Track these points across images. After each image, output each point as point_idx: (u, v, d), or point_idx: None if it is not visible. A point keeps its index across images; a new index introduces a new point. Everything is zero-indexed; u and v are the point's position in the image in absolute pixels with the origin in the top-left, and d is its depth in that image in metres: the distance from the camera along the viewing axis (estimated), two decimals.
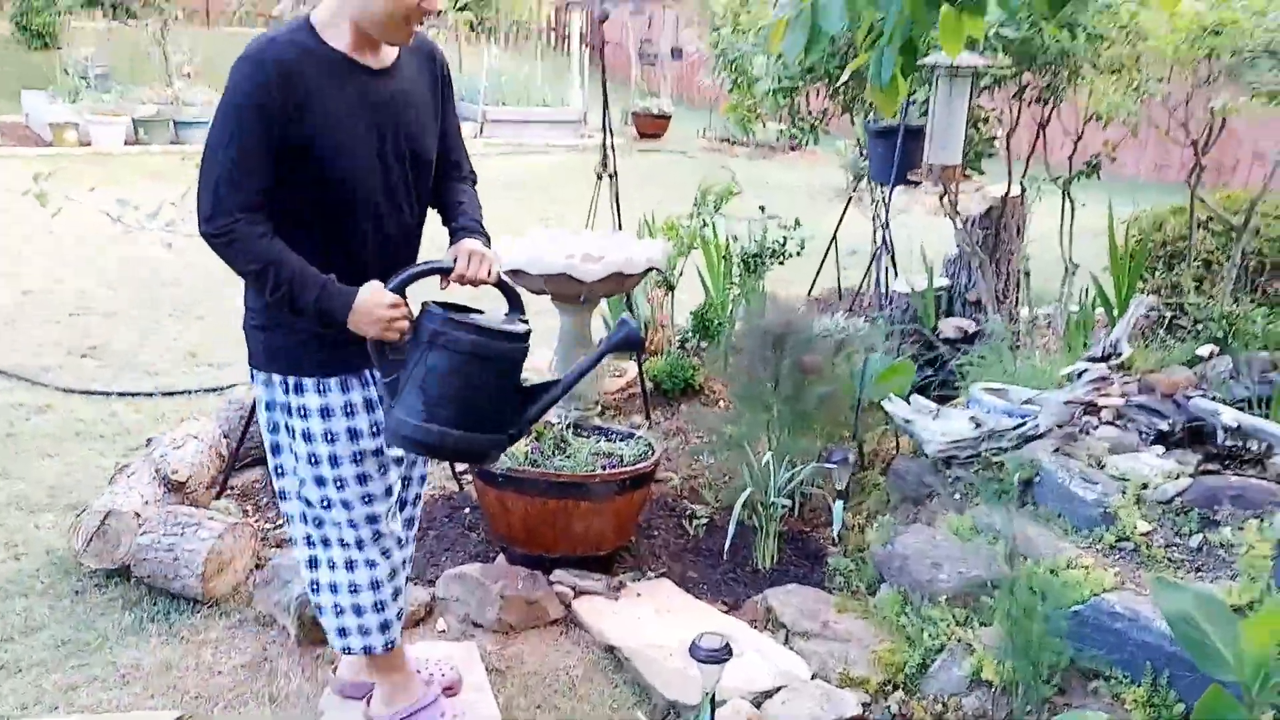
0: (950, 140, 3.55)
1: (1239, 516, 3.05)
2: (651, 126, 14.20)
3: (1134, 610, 2.71)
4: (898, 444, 4.21)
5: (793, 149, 13.23)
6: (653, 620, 3.13)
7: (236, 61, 2.08)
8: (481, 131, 13.26)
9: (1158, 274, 5.14)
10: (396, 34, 2.17)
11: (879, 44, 2.60)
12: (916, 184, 3.89)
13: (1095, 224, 5.11)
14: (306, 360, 2.27)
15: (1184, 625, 2.44)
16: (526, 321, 2.29)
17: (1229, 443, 4.07)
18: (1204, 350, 4.28)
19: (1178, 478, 3.31)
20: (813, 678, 2.90)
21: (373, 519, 2.40)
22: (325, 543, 2.44)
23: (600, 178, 4.53)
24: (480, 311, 2.25)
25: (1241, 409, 4.12)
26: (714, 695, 2.47)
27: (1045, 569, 2.97)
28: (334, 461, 2.32)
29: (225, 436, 3.89)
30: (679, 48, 11.38)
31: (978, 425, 3.67)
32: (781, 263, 4.84)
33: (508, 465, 3.18)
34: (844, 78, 4.02)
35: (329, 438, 2.31)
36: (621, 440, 3.56)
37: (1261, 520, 2.98)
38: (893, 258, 5.10)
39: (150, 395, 4.85)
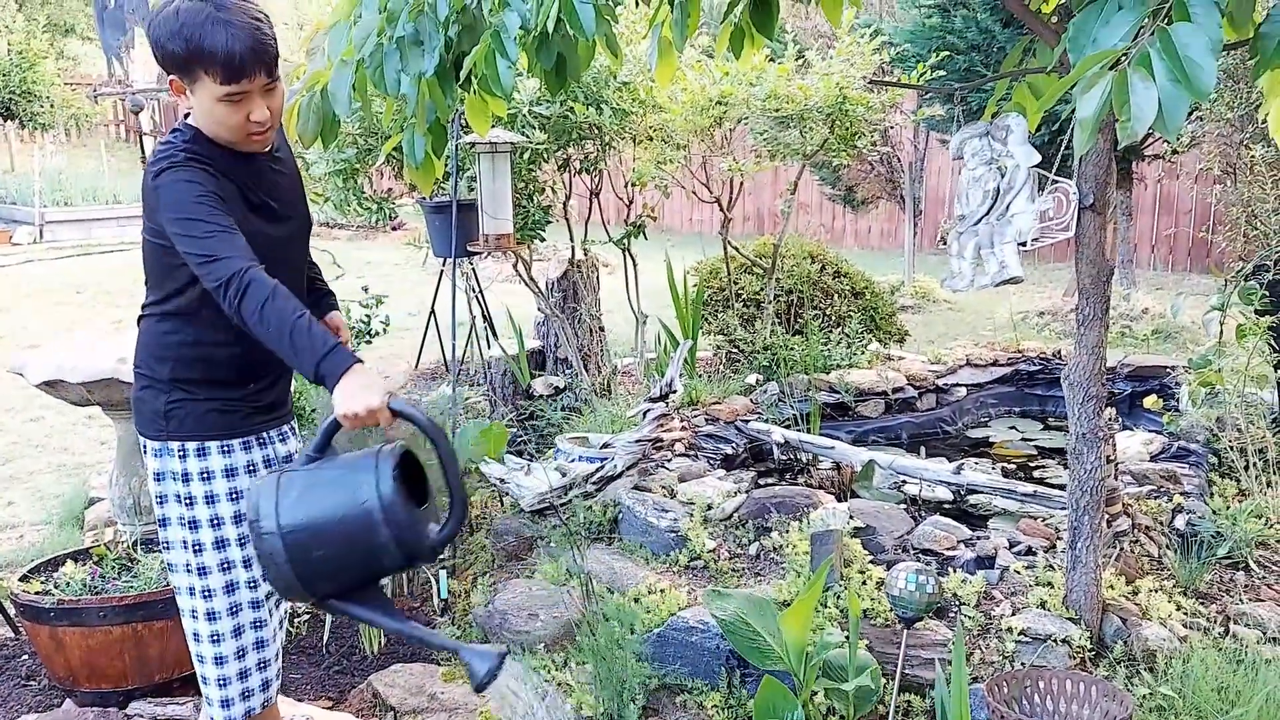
0: (500, 211, 3.76)
1: (784, 521, 3.45)
2: None
3: (704, 622, 2.97)
4: (503, 503, 4.32)
5: (394, 228, 13.28)
6: None
7: (162, 174, 2.16)
8: (41, 236, 12.00)
9: (719, 316, 5.73)
10: (244, 145, 2.27)
11: (407, 125, 2.72)
12: (477, 254, 4.06)
13: (660, 277, 5.61)
14: (213, 424, 2.30)
15: (735, 627, 2.72)
16: (443, 546, 2.09)
17: (783, 457, 4.62)
18: (752, 379, 4.83)
19: (735, 495, 3.69)
20: None
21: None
22: (212, 616, 2.37)
23: None
24: (425, 498, 2.05)
25: (789, 427, 4.69)
26: None
27: (630, 598, 3.18)
28: (237, 520, 2.32)
29: None
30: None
31: (564, 475, 3.87)
32: (369, 341, 4.82)
33: (58, 595, 2.88)
34: (380, 159, 4.13)
35: (233, 496, 2.32)
36: None
37: (800, 521, 3.40)
38: (490, 325, 5.28)
39: None
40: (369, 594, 2.01)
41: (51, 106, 16.48)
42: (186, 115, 2.30)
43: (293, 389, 2.80)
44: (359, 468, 1.96)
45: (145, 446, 2.37)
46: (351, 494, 1.93)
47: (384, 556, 1.93)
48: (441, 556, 3.84)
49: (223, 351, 2.29)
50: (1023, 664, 2.68)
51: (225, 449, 2.35)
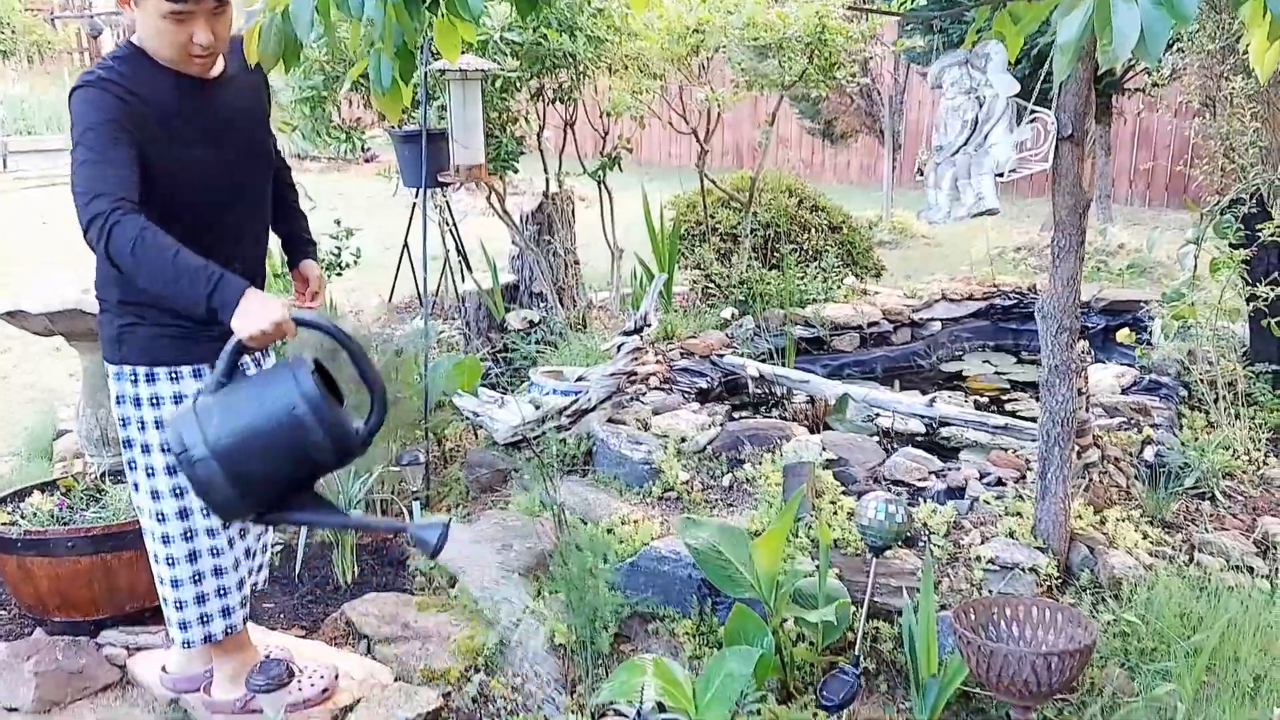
0: (472, 141, 3.68)
1: (758, 454, 3.46)
2: None
3: (676, 552, 2.99)
4: (476, 436, 4.31)
5: (366, 161, 13.05)
6: None
7: (74, 92, 2.13)
8: (5, 166, 11.73)
9: (696, 250, 5.69)
10: (186, 66, 2.23)
11: (374, 50, 2.64)
12: (448, 185, 3.99)
13: (637, 210, 5.55)
14: (160, 350, 2.31)
15: (707, 556, 2.73)
16: (371, 437, 2.09)
17: (757, 390, 4.62)
18: (727, 313, 4.81)
19: (709, 428, 3.69)
20: (396, 680, 2.89)
21: (243, 530, 2.48)
22: (166, 539, 2.43)
23: None
24: (341, 399, 2.07)
25: (764, 360, 4.69)
26: None
27: (603, 529, 3.19)
28: None
29: None
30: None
31: (538, 408, 3.86)
32: (339, 274, 4.76)
33: (25, 526, 2.87)
34: (346, 86, 4.03)
35: None
36: None
37: (773, 453, 3.41)
38: (464, 259, 5.22)
39: None
40: (305, 498, 2.04)
41: (13, 33, 15.99)
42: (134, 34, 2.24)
43: None
44: (274, 380, 1.99)
45: (107, 370, 2.36)
46: (276, 403, 1.94)
47: (318, 455, 1.96)
48: (414, 490, 3.84)
49: None
50: (990, 592, 2.72)
51: (174, 375, 2.33)
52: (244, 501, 1.95)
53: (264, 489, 1.96)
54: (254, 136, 2.47)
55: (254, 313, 2.02)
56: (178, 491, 2.40)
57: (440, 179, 3.83)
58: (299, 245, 2.73)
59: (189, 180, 2.26)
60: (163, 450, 2.37)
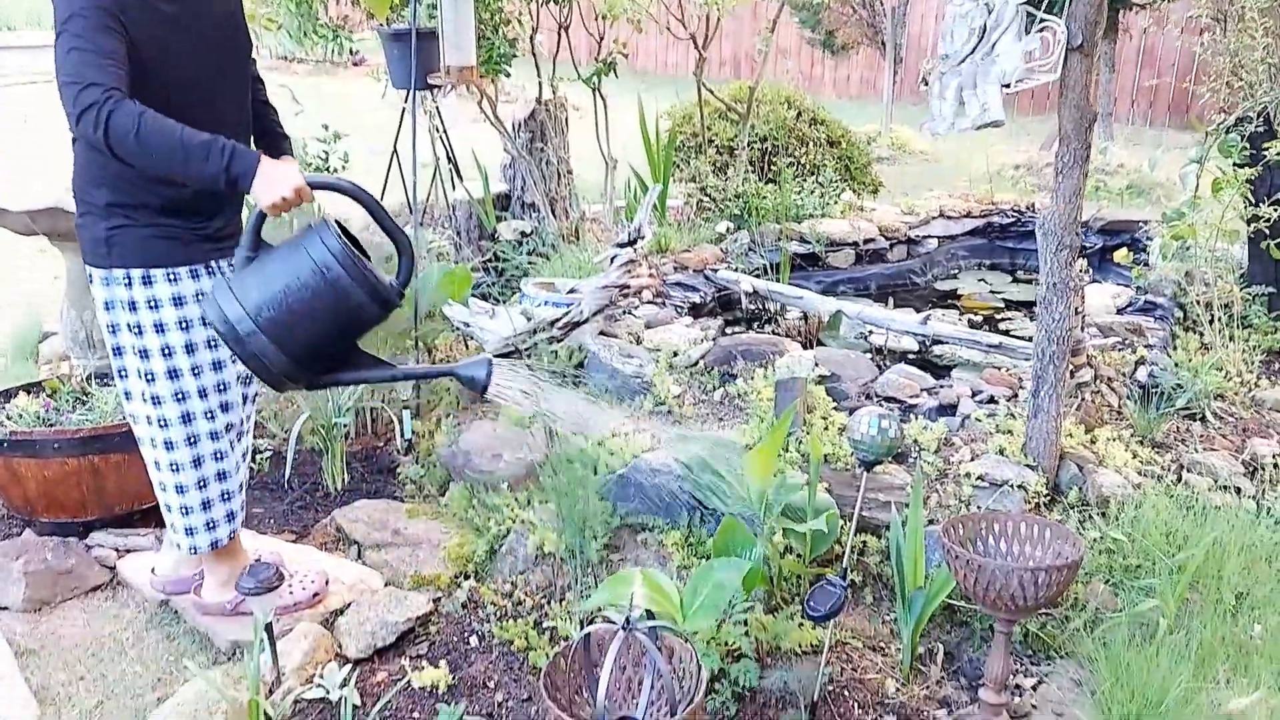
0: (463, 41, 3.56)
1: (750, 368, 3.44)
2: None
3: (667, 465, 2.98)
4: (467, 346, 4.27)
5: (355, 64, 12.75)
6: None
7: None
8: None
9: (692, 162, 5.59)
10: None
11: None
12: (438, 88, 3.88)
13: (632, 121, 5.42)
14: (155, 252, 2.25)
15: (698, 470, 2.73)
16: (405, 288, 2.13)
17: (751, 306, 4.59)
18: (722, 227, 4.75)
19: (702, 342, 3.67)
20: (386, 585, 2.91)
21: (226, 407, 2.44)
22: (170, 445, 2.40)
23: None
24: (368, 256, 2.10)
25: (759, 276, 4.65)
26: (270, 626, 2.41)
27: (594, 441, 3.18)
28: (189, 349, 2.32)
29: None
30: None
31: (529, 319, 3.82)
32: None
33: (11, 427, 2.84)
34: None
35: (183, 325, 2.31)
36: None
37: (766, 368, 3.40)
38: (455, 166, 5.11)
39: None
40: (353, 357, 2.09)
41: None
42: None
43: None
44: (302, 245, 1.98)
45: (91, 275, 2.30)
46: (308, 264, 1.95)
47: (361, 310, 1.99)
48: (404, 399, 3.82)
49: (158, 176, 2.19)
50: (979, 508, 2.73)
51: (172, 277, 2.28)
52: (298, 367, 1.97)
53: (314, 352, 1.99)
54: (235, 24, 2.38)
55: (275, 179, 2.01)
56: (180, 396, 2.37)
57: (430, 80, 3.73)
58: (274, 140, 2.65)
59: (174, 70, 2.19)
60: (163, 354, 2.32)
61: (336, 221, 2.05)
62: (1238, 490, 2.89)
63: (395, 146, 4.87)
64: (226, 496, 2.54)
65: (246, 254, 2.01)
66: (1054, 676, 2.43)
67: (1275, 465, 3.00)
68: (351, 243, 2.06)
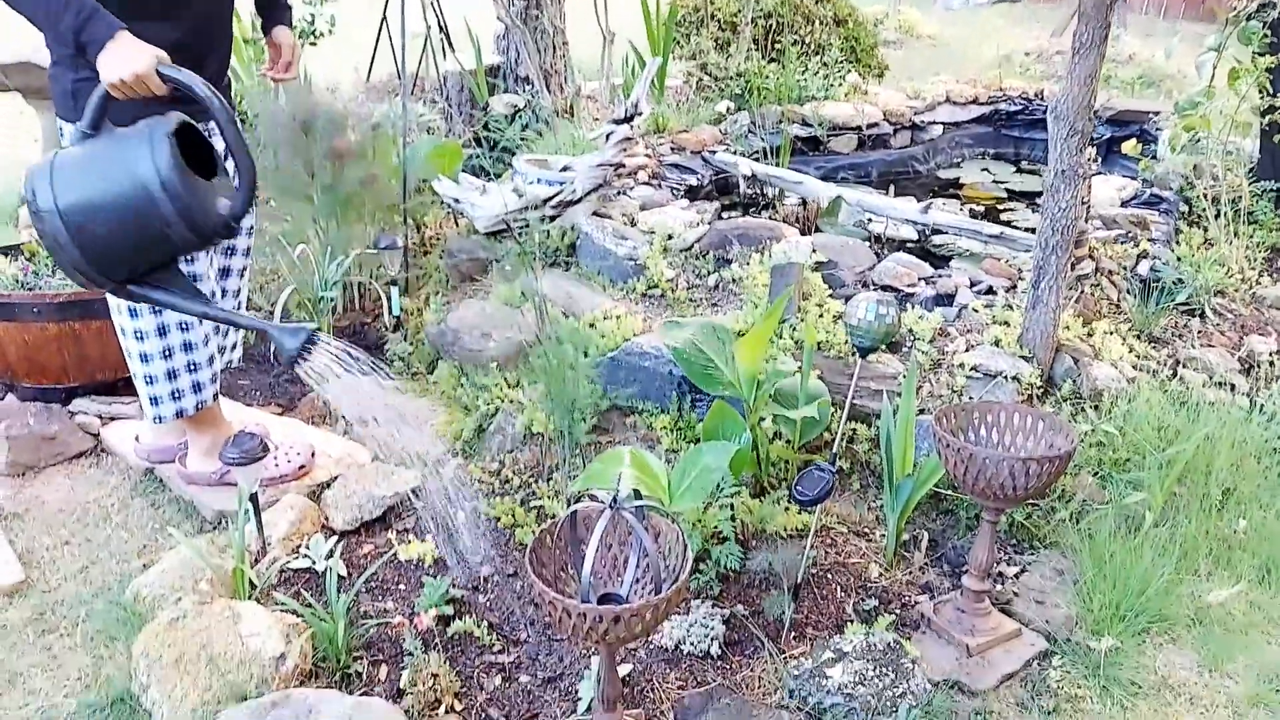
0: None
1: (746, 253, 3.37)
2: None
3: (657, 349, 2.94)
4: (457, 223, 4.19)
5: None
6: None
7: None
8: None
9: (692, 38, 5.39)
10: None
11: None
12: None
13: None
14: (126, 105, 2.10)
15: (689, 353, 2.69)
16: (238, 222, 1.95)
17: (749, 190, 4.48)
18: (722, 107, 4.60)
19: (697, 225, 3.58)
20: (373, 460, 2.90)
21: (193, 278, 2.39)
22: (134, 313, 2.39)
23: None
24: (214, 172, 1.93)
25: (758, 159, 4.53)
26: (255, 496, 2.40)
27: (585, 323, 3.14)
28: None
29: None
30: None
31: (521, 196, 3.72)
32: (313, 43, 4.48)
33: None
34: None
35: None
36: None
37: (761, 253, 3.33)
38: (447, 36, 4.92)
39: None
40: (168, 277, 1.94)
41: None
42: None
43: (230, 84, 2.59)
44: (133, 142, 1.84)
45: (61, 130, 2.20)
46: (127, 168, 1.81)
47: (170, 232, 1.84)
48: (392, 275, 3.75)
49: (129, 26, 2.07)
50: (971, 398, 2.71)
51: None
52: (92, 267, 1.84)
53: (113, 258, 1.86)
54: None
55: (121, 57, 1.91)
56: None
57: None
58: (273, 7, 2.54)
59: None
60: None
61: (185, 123, 1.91)
62: (1232, 387, 2.87)
63: (384, 14, 4.68)
64: (193, 367, 2.51)
65: (83, 130, 1.88)
66: (1037, 566, 2.44)
67: (1271, 363, 2.98)
68: (197, 148, 1.92)
